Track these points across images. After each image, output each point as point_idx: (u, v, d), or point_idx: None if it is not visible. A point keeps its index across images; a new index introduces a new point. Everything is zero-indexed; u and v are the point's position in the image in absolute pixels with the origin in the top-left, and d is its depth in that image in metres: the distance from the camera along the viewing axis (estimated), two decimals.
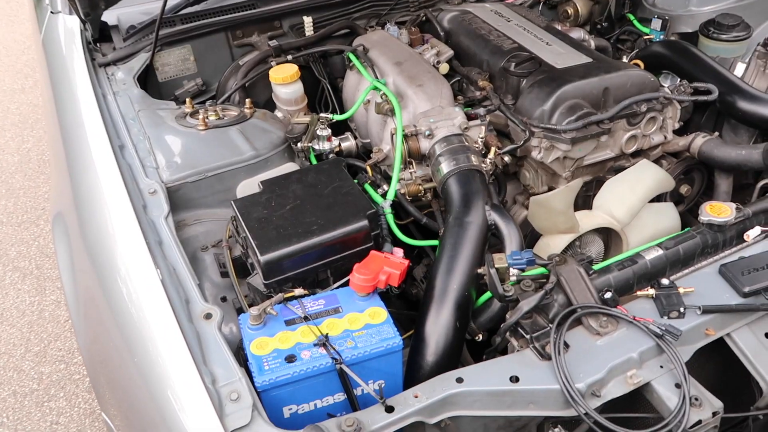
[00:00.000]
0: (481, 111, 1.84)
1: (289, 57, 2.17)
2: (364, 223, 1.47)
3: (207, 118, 1.82)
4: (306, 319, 1.30)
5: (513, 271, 1.35)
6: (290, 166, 1.77)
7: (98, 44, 2.20)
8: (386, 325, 1.29)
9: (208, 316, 1.27)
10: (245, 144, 1.76)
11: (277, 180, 1.63)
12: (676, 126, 1.86)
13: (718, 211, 1.47)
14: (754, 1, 2.23)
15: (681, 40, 2.20)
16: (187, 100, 1.90)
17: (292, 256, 1.42)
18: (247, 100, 1.92)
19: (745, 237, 1.44)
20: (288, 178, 1.63)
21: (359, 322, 1.30)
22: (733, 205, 1.50)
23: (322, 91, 2.23)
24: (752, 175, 1.84)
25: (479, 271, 1.40)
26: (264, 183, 1.61)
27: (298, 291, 1.38)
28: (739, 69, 2.01)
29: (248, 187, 1.70)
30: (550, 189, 1.77)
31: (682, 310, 1.29)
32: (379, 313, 1.32)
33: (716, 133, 1.88)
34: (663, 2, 2.33)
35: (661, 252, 1.44)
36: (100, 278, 1.41)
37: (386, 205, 1.63)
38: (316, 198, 1.55)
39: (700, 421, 1.15)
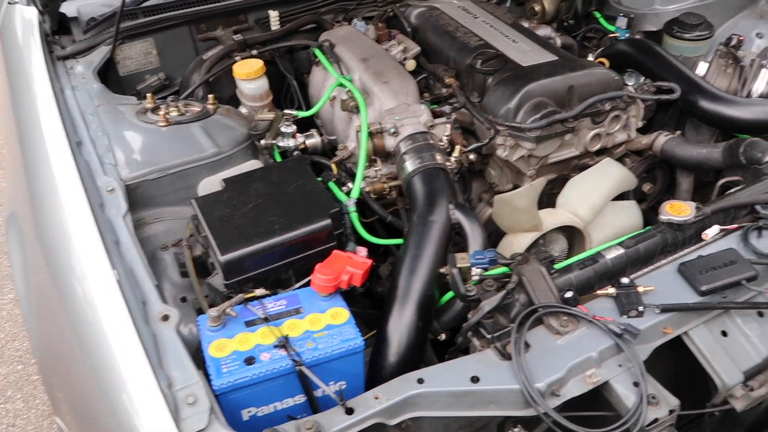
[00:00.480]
0: (446, 108, 1.83)
1: (254, 52, 2.14)
2: (327, 222, 1.45)
3: (169, 114, 1.78)
4: (266, 320, 1.28)
5: (475, 271, 1.34)
6: (254, 164, 1.74)
7: (57, 36, 2.14)
8: (348, 326, 1.28)
9: (166, 318, 1.25)
10: (207, 141, 1.73)
11: (239, 178, 1.60)
12: (640, 124, 1.88)
13: (678, 210, 1.48)
14: (717, 0, 2.26)
15: (646, 38, 2.21)
16: (149, 95, 1.86)
17: (253, 256, 1.40)
18: (211, 96, 1.89)
19: (703, 236, 1.46)
20: (251, 176, 1.61)
21: (321, 322, 1.29)
22: (693, 204, 1.51)
23: (288, 86, 2.20)
24: (713, 173, 1.87)
25: (442, 270, 1.39)
26: (226, 181, 1.58)
27: (259, 291, 1.36)
28: (702, 68, 2.03)
29: (210, 185, 1.66)
30: (516, 187, 1.77)
31: (641, 309, 1.30)
32: (341, 314, 1.31)
33: (679, 132, 1.91)
34: (628, 0, 2.35)
35: (621, 251, 1.45)
36: (55, 279, 1.37)
37: (350, 204, 1.61)
38: (279, 196, 1.52)
39: (656, 420, 1.16)
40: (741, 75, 1.96)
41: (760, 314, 1.36)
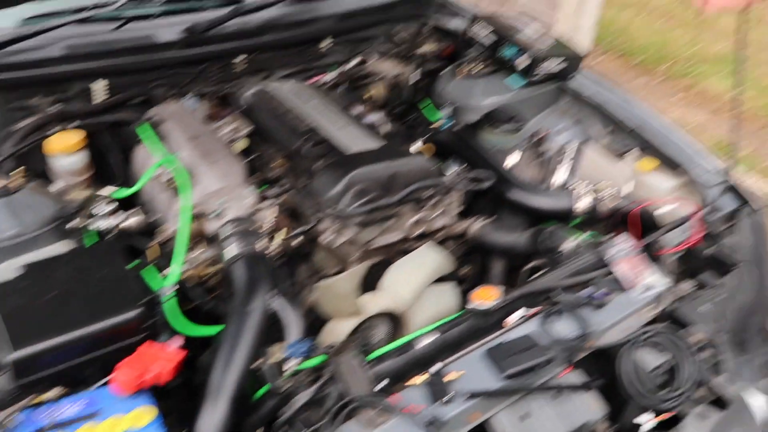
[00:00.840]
0: (273, 191, 1.84)
1: (75, 124, 2.02)
2: (136, 312, 1.37)
3: None
4: (56, 427, 1.16)
5: (291, 363, 1.33)
6: (61, 247, 1.61)
7: None
8: (151, 429, 1.20)
9: None
10: (9, 220, 1.59)
11: (42, 264, 1.48)
12: (458, 210, 2.00)
13: (486, 295, 1.58)
14: (529, 96, 2.50)
15: (466, 128, 2.39)
16: None
17: (50, 352, 1.28)
18: (19, 170, 1.75)
19: (505, 322, 1.56)
20: (55, 262, 1.49)
21: (120, 426, 1.20)
22: (501, 289, 1.62)
23: (110, 162, 2.10)
24: (522, 258, 2.02)
25: (257, 363, 1.36)
26: (25, 267, 1.46)
27: (52, 393, 1.24)
28: (513, 159, 2.23)
29: (8, 270, 1.52)
30: (341, 271, 1.80)
31: (450, 395, 1.35)
32: (145, 415, 1.23)
33: (494, 217, 2.06)
34: (452, 93, 2.53)
35: (435, 337, 1.51)
36: None
37: (167, 291, 1.55)
38: (85, 285, 1.42)
39: None
40: (545, 167, 2.17)
41: (558, 393, 1.46)
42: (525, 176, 2.18)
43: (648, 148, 2.27)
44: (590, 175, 2.15)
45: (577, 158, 2.18)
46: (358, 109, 2.39)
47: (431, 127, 2.41)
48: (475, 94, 2.48)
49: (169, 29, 2.28)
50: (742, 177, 4.13)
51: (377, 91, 2.56)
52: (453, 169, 2.16)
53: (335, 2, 2.78)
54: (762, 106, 5.48)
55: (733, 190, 2.07)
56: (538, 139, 2.24)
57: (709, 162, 2.18)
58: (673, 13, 7.53)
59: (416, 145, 2.31)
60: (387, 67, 2.63)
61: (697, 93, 5.66)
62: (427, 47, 2.74)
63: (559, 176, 2.15)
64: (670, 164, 2.19)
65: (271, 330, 1.47)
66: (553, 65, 2.39)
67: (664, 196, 2.07)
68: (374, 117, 2.34)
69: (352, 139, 1.96)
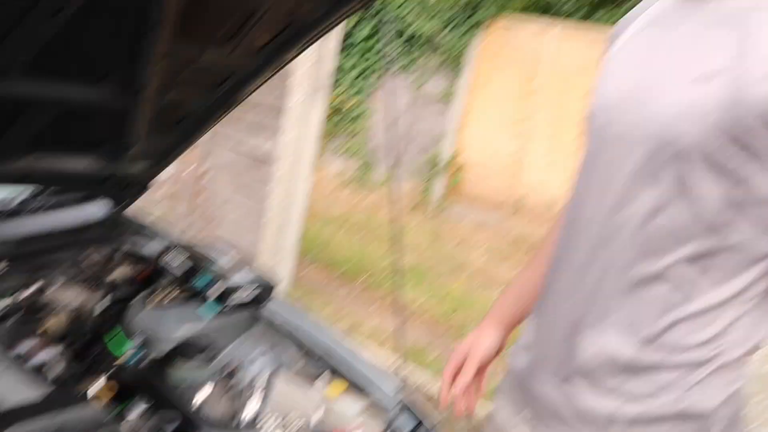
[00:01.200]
0: None
1: None
2: None
3: None
4: None
5: None
6: None
7: None
8: None
9: None
10: None
11: None
12: None
13: None
14: (222, 325, 2.51)
15: (155, 363, 2.28)
16: None
17: None
18: None
19: None
20: None
21: None
22: None
23: None
24: None
25: None
26: None
27: None
28: (204, 394, 2.16)
29: None
30: None
31: None
32: None
33: None
34: (142, 323, 2.42)
35: None
36: None
37: None
38: None
39: None
40: (236, 399, 2.14)
41: None
42: (216, 412, 2.11)
43: (337, 372, 2.41)
44: (282, 404, 2.17)
45: (268, 389, 2.20)
46: (29, 345, 2.14)
47: (116, 363, 2.24)
48: (166, 324, 2.40)
49: None
50: (428, 380, 4.58)
51: (56, 322, 2.34)
52: (137, 411, 2.02)
53: (13, 224, 2.61)
54: (443, 313, 6.31)
55: (408, 409, 2.26)
56: (230, 370, 2.23)
57: (389, 384, 2.38)
58: (369, 228, 8.57)
59: (97, 384, 2.12)
60: (70, 296, 2.46)
61: (391, 302, 6.30)
62: (119, 273, 2.65)
63: (250, 410, 2.13)
64: (356, 387, 2.33)
65: None
66: (245, 294, 2.48)
67: (350, 421, 2.16)
68: (47, 355, 2.11)
69: (9, 388, 1.72)
